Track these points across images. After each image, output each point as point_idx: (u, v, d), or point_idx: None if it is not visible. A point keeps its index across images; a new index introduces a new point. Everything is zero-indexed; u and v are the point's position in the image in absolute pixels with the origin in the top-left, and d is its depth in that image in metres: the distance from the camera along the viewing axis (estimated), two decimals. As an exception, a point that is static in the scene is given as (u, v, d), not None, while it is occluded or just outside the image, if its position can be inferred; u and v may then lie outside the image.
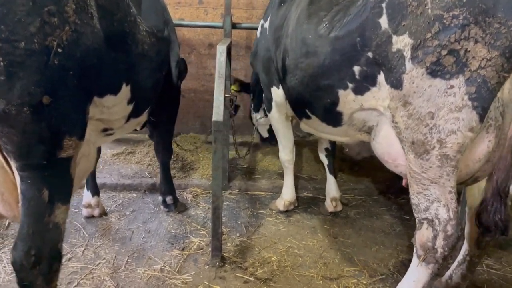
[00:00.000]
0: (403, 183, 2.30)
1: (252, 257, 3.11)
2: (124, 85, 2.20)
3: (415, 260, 2.13)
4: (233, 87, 4.16)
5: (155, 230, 3.44)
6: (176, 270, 2.91)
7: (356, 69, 2.21)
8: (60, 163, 1.73)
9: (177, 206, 3.75)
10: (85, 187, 3.53)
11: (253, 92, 4.35)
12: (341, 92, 2.34)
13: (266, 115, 4.12)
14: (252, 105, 4.50)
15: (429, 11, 1.82)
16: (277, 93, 3.25)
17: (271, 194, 4.19)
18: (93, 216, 3.55)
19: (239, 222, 3.62)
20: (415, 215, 2.10)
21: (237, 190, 4.24)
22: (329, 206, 3.80)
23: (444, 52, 1.81)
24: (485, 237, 2.40)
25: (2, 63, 1.45)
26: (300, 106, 2.84)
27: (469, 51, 1.78)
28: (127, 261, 3.00)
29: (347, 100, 2.33)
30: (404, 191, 2.21)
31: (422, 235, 2.03)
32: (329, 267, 3.04)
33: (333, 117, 2.50)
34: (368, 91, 2.20)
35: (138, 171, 4.44)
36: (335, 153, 3.93)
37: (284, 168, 3.82)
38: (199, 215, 3.72)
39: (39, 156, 1.63)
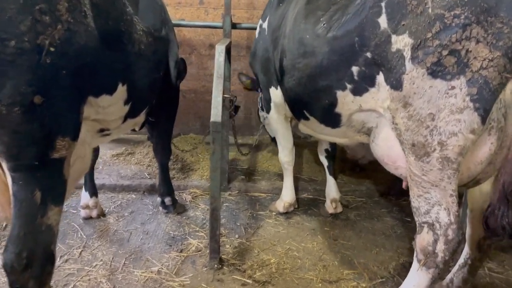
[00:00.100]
0: (403, 186, 2.26)
1: (251, 259, 3.07)
2: (120, 85, 2.17)
3: (415, 265, 2.09)
4: (246, 84, 4.11)
5: (153, 231, 3.41)
6: (173, 272, 2.88)
7: (355, 69, 2.17)
8: (53, 164, 1.70)
9: (176, 207, 3.72)
10: (83, 188, 3.50)
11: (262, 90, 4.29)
12: (339, 93, 2.30)
13: None
14: (261, 103, 4.46)
15: (430, 10, 1.78)
16: (276, 94, 3.22)
17: (271, 195, 4.15)
18: (91, 217, 3.52)
19: (238, 224, 3.59)
20: (416, 218, 2.06)
21: (237, 191, 4.21)
22: (329, 207, 3.77)
23: (445, 52, 1.77)
24: (486, 240, 2.36)
25: (-8, 62, 1.43)
26: (298, 107, 2.81)
27: (471, 51, 1.74)
28: (124, 263, 2.96)
29: (345, 101, 2.29)
30: (405, 193, 2.19)
31: (423, 239, 2.00)
32: (329, 269, 3.00)
33: (331, 118, 2.46)
34: (366, 92, 2.16)
35: (138, 172, 4.42)
36: (336, 154, 3.89)
37: (283, 169, 3.79)
38: (198, 217, 3.69)
39: (31, 156, 1.60)
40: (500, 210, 2.06)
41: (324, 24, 2.33)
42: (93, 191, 3.51)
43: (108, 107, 2.17)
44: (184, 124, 5.61)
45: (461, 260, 2.53)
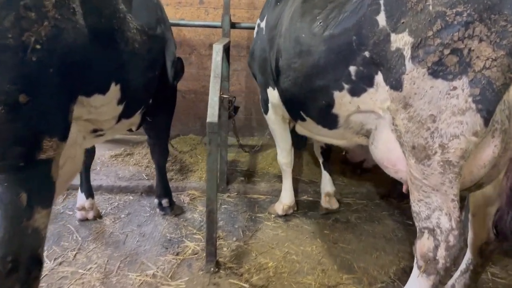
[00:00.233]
0: (403, 189, 2.19)
1: (248, 263, 3.02)
2: (113, 84, 2.12)
3: (415, 271, 2.02)
4: None
5: (149, 233, 3.35)
6: (169, 276, 2.82)
7: (352, 69, 2.10)
8: (40, 165, 1.65)
9: (174, 209, 3.66)
10: (79, 189, 3.45)
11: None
12: (336, 94, 2.24)
13: None
14: None
15: (430, 7, 1.71)
16: (273, 95, 3.15)
17: (271, 197, 4.10)
18: (87, 219, 3.47)
19: (236, 226, 3.53)
20: (416, 223, 2.00)
21: (236, 193, 4.15)
22: (323, 201, 3.76)
23: (446, 51, 1.70)
24: (489, 245, 2.30)
25: (-26, 60, 1.37)
26: (294, 107, 2.74)
27: (473, 50, 1.67)
28: (119, 266, 2.91)
29: (342, 101, 2.23)
30: (407, 195, 2.13)
31: (423, 244, 1.93)
32: (327, 274, 2.94)
33: (328, 120, 2.40)
34: (364, 92, 2.09)
35: (136, 173, 4.37)
36: (331, 150, 3.89)
37: (282, 171, 3.73)
38: (195, 219, 3.63)
39: (15, 157, 1.54)
40: (509, 215, 2.00)
41: (320, 23, 2.27)
42: (89, 193, 3.46)
43: (101, 107, 2.12)
44: (184, 124, 5.56)
45: (463, 266, 2.46)
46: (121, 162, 4.63)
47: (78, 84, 1.80)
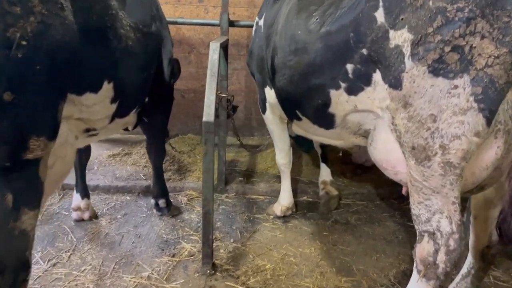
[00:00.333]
0: (403, 192, 2.13)
1: (245, 265, 2.97)
2: (105, 82, 2.07)
3: (415, 275, 1.96)
4: None
5: (146, 234, 3.31)
6: (164, 278, 2.77)
7: (349, 67, 2.04)
8: (27, 165, 1.60)
9: (171, 210, 3.61)
10: (75, 189, 3.41)
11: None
12: (332, 92, 2.17)
13: None
14: None
15: (430, 3, 1.65)
16: (270, 94, 3.09)
17: (269, 198, 4.04)
18: (83, 220, 3.43)
19: (234, 228, 3.48)
20: (416, 226, 1.93)
21: (234, 194, 4.10)
22: (320, 190, 3.79)
23: (447, 49, 1.64)
24: (491, 249, 2.25)
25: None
26: (290, 107, 2.68)
27: (475, 47, 1.61)
28: (113, 268, 2.87)
29: (339, 100, 2.16)
30: (408, 196, 2.08)
31: (423, 248, 1.87)
32: (326, 276, 2.89)
33: (325, 119, 2.34)
34: (362, 91, 2.03)
35: (133, 173, 4.32)
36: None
37: (280, 172, 3.67)
38: (193, 220, 3.58)
39: (1, 157, 1.50)
40: None
41: (317, 19, 2.20)
42: (85, 193, 3.41)
43: (93, 105, 2.07)
44: (183, 124, 5.51)
45: (464, 270, 2.41)
46: (119, 161, 4.58)
47: (67, 82, 1.75)
